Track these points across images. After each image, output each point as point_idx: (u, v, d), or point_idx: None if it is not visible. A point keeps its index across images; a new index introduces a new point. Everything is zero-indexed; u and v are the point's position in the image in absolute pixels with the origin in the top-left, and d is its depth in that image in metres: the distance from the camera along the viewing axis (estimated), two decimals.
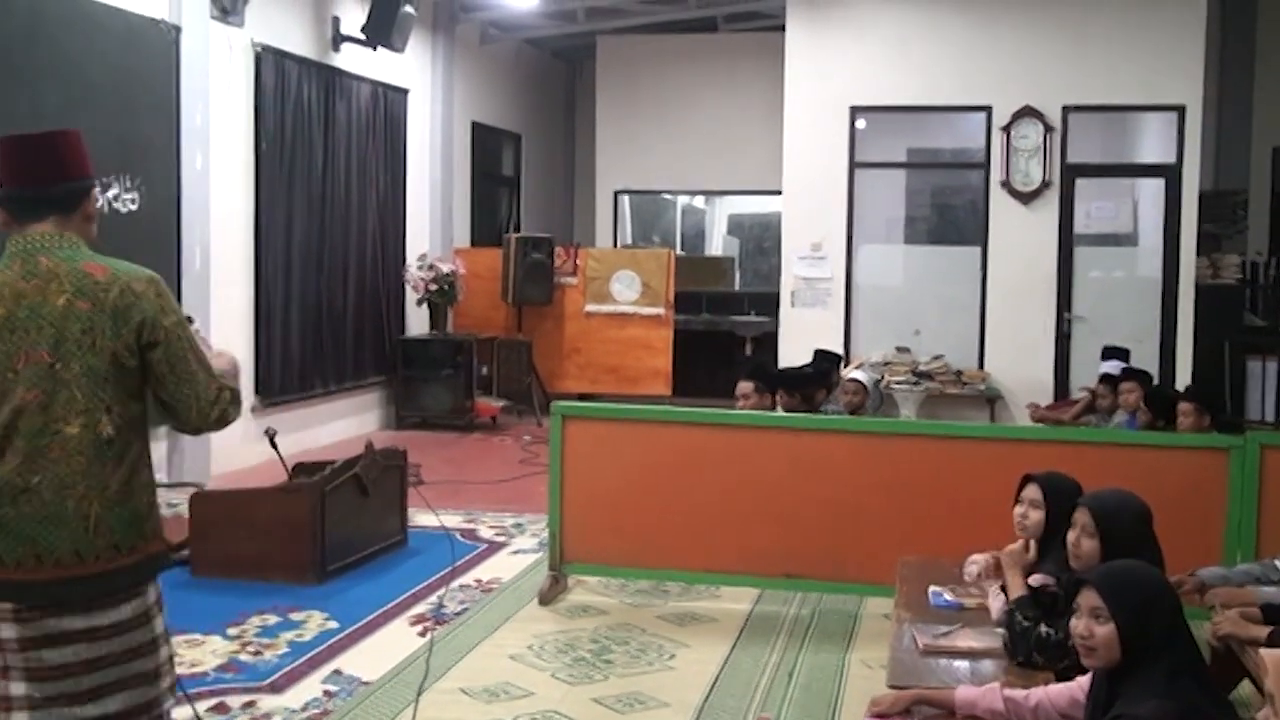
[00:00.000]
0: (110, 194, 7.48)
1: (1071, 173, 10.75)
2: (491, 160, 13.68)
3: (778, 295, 11.38)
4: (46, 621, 2.63)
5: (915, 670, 3.31)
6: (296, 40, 9.59)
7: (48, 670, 2.64)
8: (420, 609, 5.62)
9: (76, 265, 2.75)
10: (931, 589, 3.99)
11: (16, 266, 2.75)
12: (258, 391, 9.10)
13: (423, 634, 5.25)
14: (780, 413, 6.58)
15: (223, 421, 2.83)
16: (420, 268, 11.10)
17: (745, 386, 6.52)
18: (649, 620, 5.48)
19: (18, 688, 2.65)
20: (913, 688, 3.13)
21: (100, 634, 2.67)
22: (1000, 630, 3.48)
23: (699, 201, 15.93)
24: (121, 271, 2.77)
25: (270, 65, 9.16)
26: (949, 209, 11.86)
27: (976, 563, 4.02)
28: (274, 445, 6.23)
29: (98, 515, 2.68)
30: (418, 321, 11.52)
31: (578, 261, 11.85)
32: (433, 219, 11.97)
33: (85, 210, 2.87)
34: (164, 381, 2.76)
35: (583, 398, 10.94)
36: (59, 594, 2.64)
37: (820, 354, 8.21)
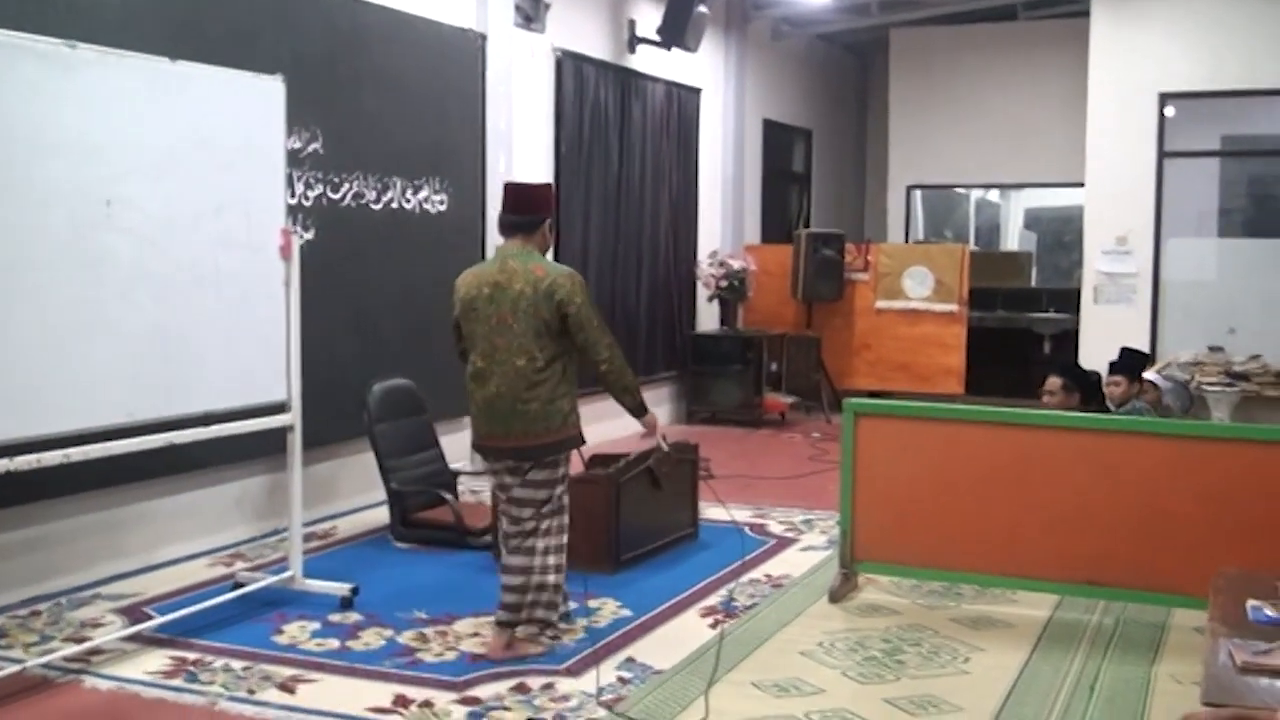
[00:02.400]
0: (421, 195, 7.86)
1: None
2: (782, 157, 13.69)
3: (1078, 292, 10.97)
4: (503, 468, 4.87)
5: (1232, 688, 3.11)
6: (594, 43, 9.84)
7: (509, 496, 4.89)
8: (711, 601, 5.67)
9: (528, 266, 4.79)
10: (1250, 603, 3.74)
11: (496, 265, 4.86)
12: None
13: (713, 626, 5.30)
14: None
15: (610, 364, 4.86)
16: (711, 264, 11.21)
17: (1054, 382, 6.41)
18: (942, 622, 5.36)
19: (502, 506, 4.95)
20: (1229, 706, 2.94)
21: (522, 478, 4.84)
22: None
23: (994, 195, 15.52)
24: (552, 270, 4.81)
25: (570, 69, 9.44)
26: (1267, 199, 11.13)
27: None
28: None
29: (534, 411, 4.72)
30: (708, 317, 11.64)
31: (869, 257, 11.71)
32: (724, 216, 12.07)
33: (542, 232, 4.91)
34: (574, 335, 4.76)
35: (873, 395, 10.80)
36: (518, 454, 4.79)
37: (1126, 352, 7.84)
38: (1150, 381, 7.12)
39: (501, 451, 4.83)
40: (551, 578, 4.91)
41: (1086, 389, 6.54)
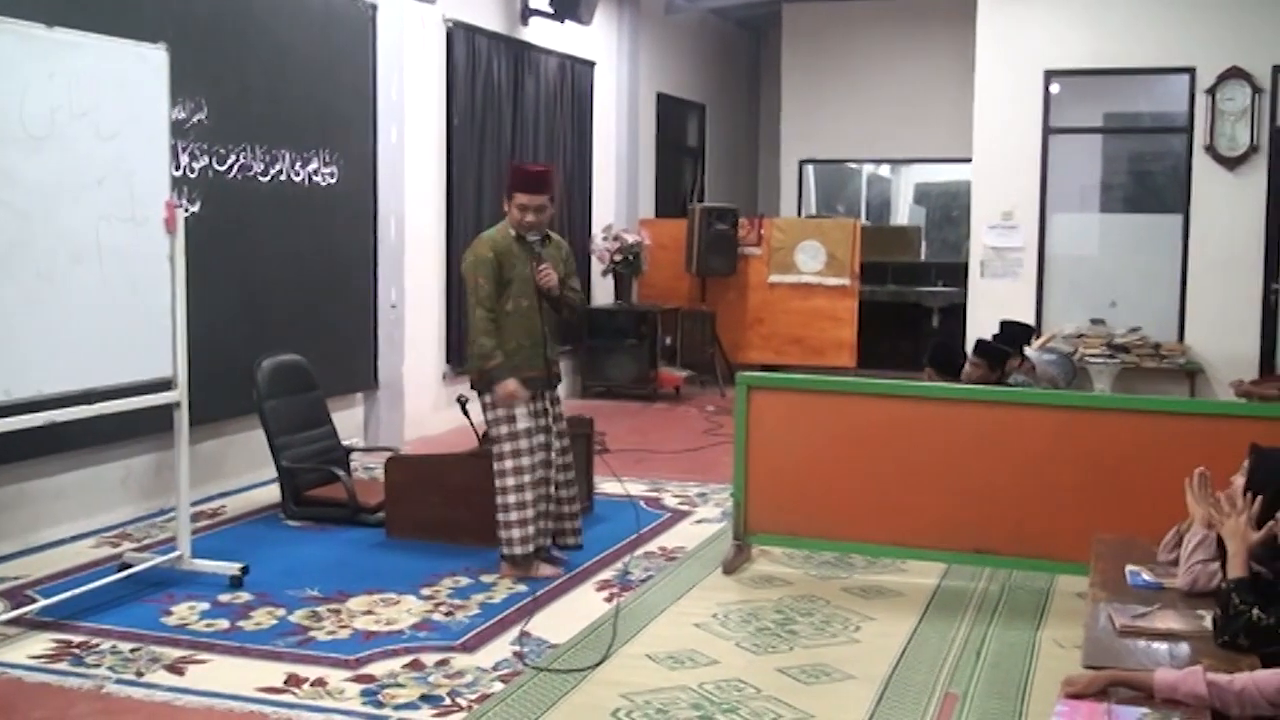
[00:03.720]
0: (310, 167, 7.74)
1: None
2: (676, 131, 13.70)
3: (966, 266, 11.14)
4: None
5: (1112, 650, 3.22)
6: (487, 15, 9.76)
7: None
8: (606, 575, 5.70)
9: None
10: (1129, 568, 3.86)
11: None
12: (449, 360, 9.33)
13: (609, 600, 5.33)
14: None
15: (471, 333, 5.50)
16: (605, 239, 11.20)
17: (976, 360, 6.85)
18: (834, 592, 5.45)
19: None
20: (1109, 668, 3.04)
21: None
22: (1201, 613, 3.35)
23: (884, 171, 15.68)
24: (475, 242, 5.60)
25: (461, 40, 9.35)
26: (1148, 175, 11.40)
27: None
28: (465, 413, 6.37)
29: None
30: (603, 292, 11.64)
31: (762, 232, 11.80)
32: (618, 190, 12.07)
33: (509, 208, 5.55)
34: None
35: (766, 369, 10.90)
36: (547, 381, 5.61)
37: (1007, 324, 8.03)
38: (1026, 356, 7.33)
39: (536, 380, 5.66)
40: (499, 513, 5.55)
41: (995, 361, 6.84)
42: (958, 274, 11.68)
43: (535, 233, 5.54)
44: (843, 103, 13.32)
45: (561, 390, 11.31)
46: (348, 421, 7.46)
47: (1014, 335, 7.64)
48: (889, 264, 12.99)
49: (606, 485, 7.16)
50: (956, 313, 11.55)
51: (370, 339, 8.42)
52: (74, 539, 6.14)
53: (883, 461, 5.53)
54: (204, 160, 6.89)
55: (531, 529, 5.52)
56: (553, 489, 5.68)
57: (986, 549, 5.41)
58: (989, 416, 5.44)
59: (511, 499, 5.49)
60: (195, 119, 6.78)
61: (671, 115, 13.41)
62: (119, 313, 5.07)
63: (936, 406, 5.54)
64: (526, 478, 5.48)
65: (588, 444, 6.86)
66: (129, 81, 5.11)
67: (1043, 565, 5.41)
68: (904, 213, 15.49)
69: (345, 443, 7.20)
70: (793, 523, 5.71)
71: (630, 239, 11.20)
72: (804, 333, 11.63)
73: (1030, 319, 10.23)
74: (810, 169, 13.91)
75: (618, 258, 11.13)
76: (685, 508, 7.04)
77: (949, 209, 14.33)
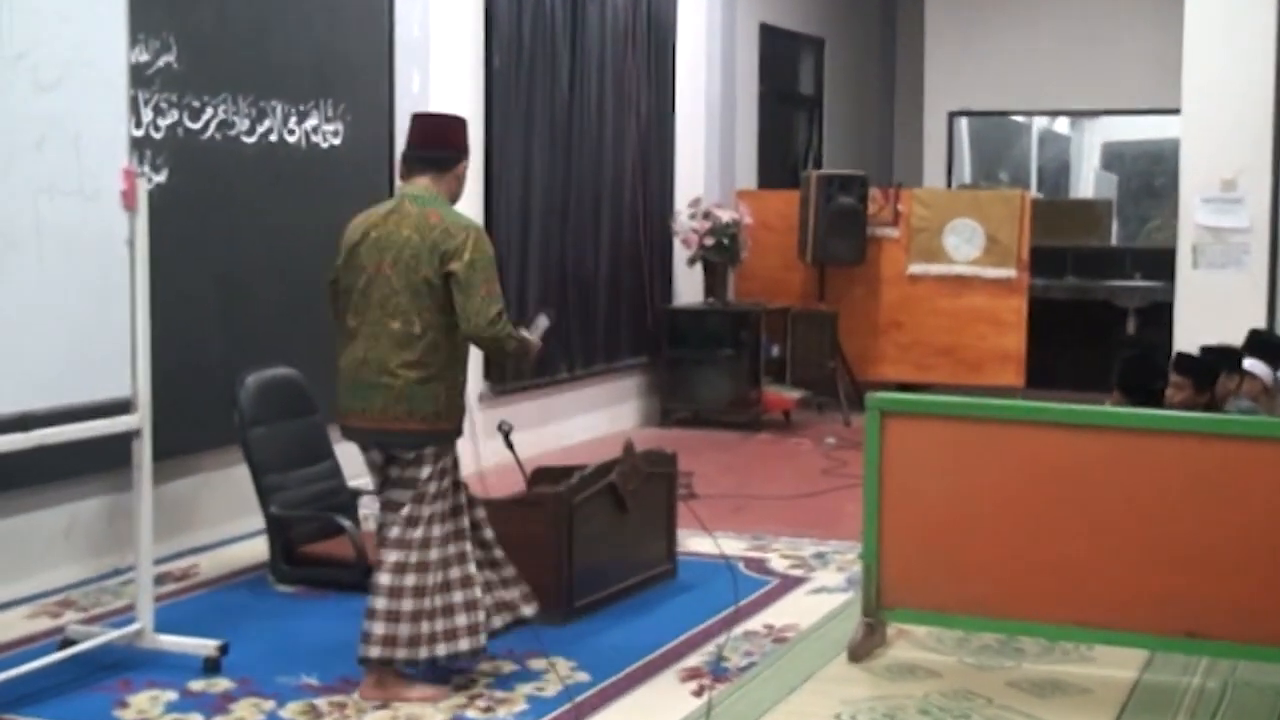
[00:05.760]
0: (309, 124, 7.81)
1: None
2: (786, 75, 13.70)
3: (1173, 252, 11.01)
4: (372, 454, 5.32)
5: None
6: None
7: (382, 488, 5.34)
8: (694, 661, 5.67)
9: (424, 211, 5.12)
10: None
11: (390, 205, 5.25)
12: (487, 376, 9.38)
13: (698, 693, 5.30)
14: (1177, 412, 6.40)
15: (496, 340, 5.10)
16: (693, 217, 11.20)
17: (1178, 380, 6.82)
18: (997, 688, 5.39)
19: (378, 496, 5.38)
20: None
21: (396, 475, 5.25)
22: None
23: (1062, 125, 15.58)
24: (450, 218, 5.13)
25: None
26: None
27: None
28: (509, 444, 6.38)
29: (400, 388, 5.05)
30: (689, 287, 11.64)
31: (899, 207, 11.74)
32: (709, 153, 12.07)
33: (455, 175, 5.29)
34: (455, 298, 5.03)
35: (905, 388, 10.84)
36: (378, 439, 5.21)
37: (1255, 335, 7.97)
38: (1249, 372, 7.22)
39: (364, 433, 5.27)
40: (407, 604, 5.11)
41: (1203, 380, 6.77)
42: (1161, 263, 11.57)
43: None
44: (1005, 38, 13.25)
45: (632, 415, 11.49)
46: (355, 456, 7.47)
47: (1225, 353, 7.56)
48: (1068, 249, 12.92)
49: (693, 542, 7.14)
50: (1159, 315, 11.43)
51: None
52: (3, 606, 6.21)
53: (1063, 514, 5.45)
54: (172, 116, 6.96)
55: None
56: None
57: (1202, 632, 5.32)
58: (1207, 455, 5.34)
59: (422, 603, 5.22)
60: (161, 61, 6.86)
61: (780, 54, 13.40)
62: (62, 314, 5.12)
63: (1136, 440, 5.45)
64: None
65: (669, 488, 6.85)
66: (76, 15, 5.16)
67: (1277, 654, 5.31)
68: (1089, 182, 15.39)
69: (352, 484, 7.23)
70: (942, 594, 5.65)
71: (725, 217, 11.19)
72: (955, 341, 11.57)
73: (1260, 321, 10.09)
74: (963, 124, 13.86)
75: (708, 241, 11.12)
76: (798, 572, 7.01)
77: (1149, 176, 14.22)
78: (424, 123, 5.45)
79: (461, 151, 5.36)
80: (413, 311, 5.05)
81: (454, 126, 5.43)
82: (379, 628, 5.08)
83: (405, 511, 5.13)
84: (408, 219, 5.11)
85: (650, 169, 11.18)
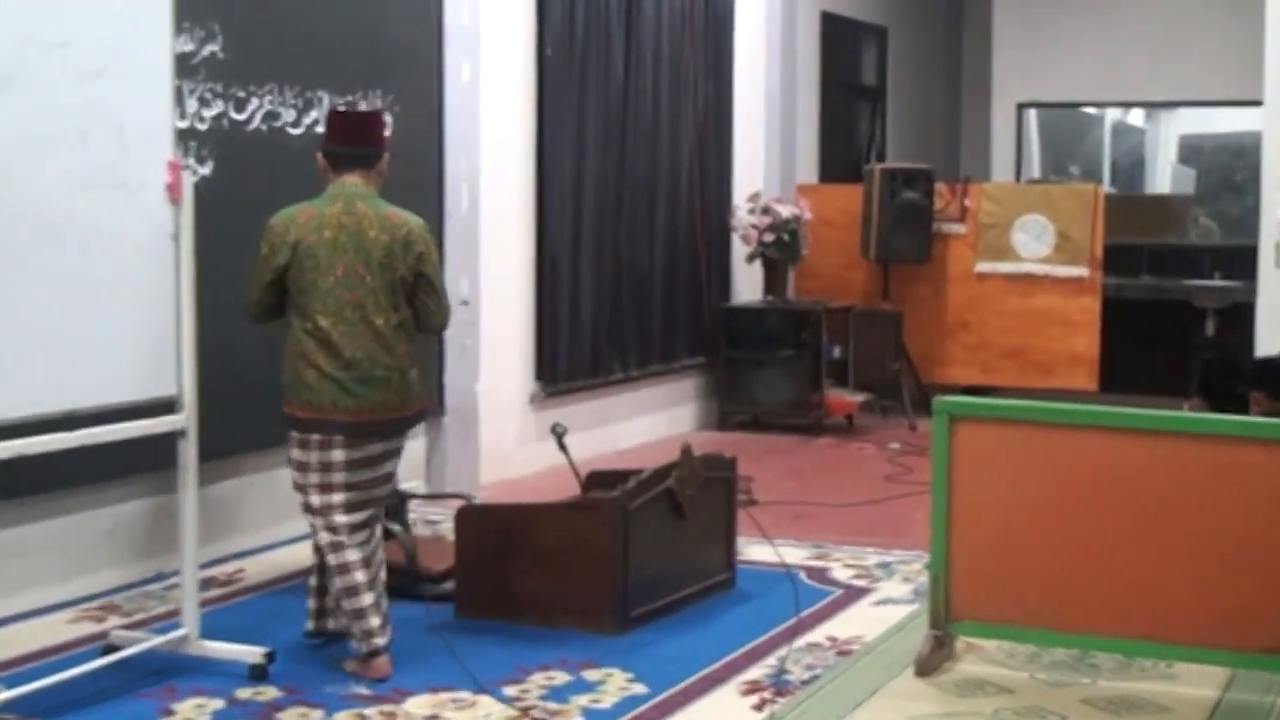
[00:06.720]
0: None
1: None
2: (848, 65, 13.68)
3: (1254, 250, 10.93)
4: (367, 446, 5.50)
5: None
6: None
7: (360, 481, 5.52)
8: (755, 674, 5.66)
9: (381, 211, 5.47)
10: None
11: (340, 206, 5.43)
12: (539, 377, 9.39)
13: (758, 707, 5.29)
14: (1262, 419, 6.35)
15: (443, 329, 6.00)
16: (751, 212, 11.19)
17: (1258, 395, 6.69)
18: (1071, 705, 5.35)
19: (339, 496, 5.48)
20: None
21: (391, 456, 5.66)
22: None
23: (1136, 118, 15.49)
24: (409, 218, 5.54)
25: None
26: None
27: None
28: (563, 447, 6.39)
29: (398, 379, 5.46)
30: (748, 285, 11.64)
31: (966, 202, 11.70)
32: (769, 146, 12.06)
33: (379, 169, 5.59)
34: (419, 296, 5.53)
35: (972, 391, 10.79)
36: (373, 429, 5.49)
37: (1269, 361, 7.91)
38: None
39: (354, 428, 5.45)
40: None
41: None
42: (1243, 262, 11.47)
43: None
44: (1077, 24, 13.18)
45: (689, 417, 11.49)
46: (405, 458, 7.50)
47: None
48: (1144, 247, 12.85)
49: (753, 550, 7.14)
50: (1240, 316, 11.34)
51: (434, 347, 8.48)
52: (44, 611, 6.26)
53: (1139, 524, 5.42)
54: (218, 107, 7.01)
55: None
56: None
57: None
58: None
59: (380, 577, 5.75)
60: (206, 51, 6.91)
61: (842, 43, 13.38)
62: (106, 310, 5.16)
63: (1217, 448, 5.40)
64: None
65: (728, 493, 6.85)
66: (119, 3, 5.20)
67: None
68: (1165, 176, 15.30)
69: (401, 487, 7.25)
70: (1013, 607, 5.62)
71: (785, 212, 11.18)
72: (1024, 342, 11.52)
73: None
74: (1033, 115, 13.80)
75: (768, 238, 11.11)
76: (862, 583, 6.99)
77: (1230, 171, 14.12)
78: (347, 120, 5.89)
79: (384, 147, 5.69)
80: (390, 308, 5.42)
81: (377, 122, 5.88)
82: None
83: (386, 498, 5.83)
84: (368, 219, 5.41)
85: (708, 162, 11.17)
